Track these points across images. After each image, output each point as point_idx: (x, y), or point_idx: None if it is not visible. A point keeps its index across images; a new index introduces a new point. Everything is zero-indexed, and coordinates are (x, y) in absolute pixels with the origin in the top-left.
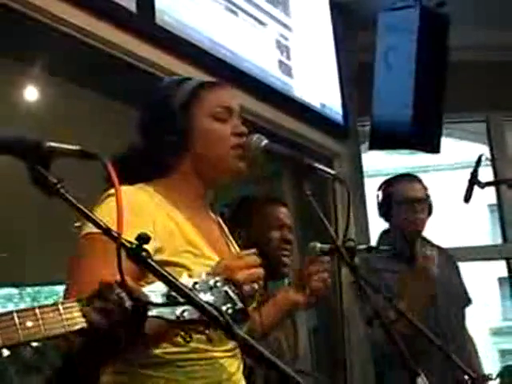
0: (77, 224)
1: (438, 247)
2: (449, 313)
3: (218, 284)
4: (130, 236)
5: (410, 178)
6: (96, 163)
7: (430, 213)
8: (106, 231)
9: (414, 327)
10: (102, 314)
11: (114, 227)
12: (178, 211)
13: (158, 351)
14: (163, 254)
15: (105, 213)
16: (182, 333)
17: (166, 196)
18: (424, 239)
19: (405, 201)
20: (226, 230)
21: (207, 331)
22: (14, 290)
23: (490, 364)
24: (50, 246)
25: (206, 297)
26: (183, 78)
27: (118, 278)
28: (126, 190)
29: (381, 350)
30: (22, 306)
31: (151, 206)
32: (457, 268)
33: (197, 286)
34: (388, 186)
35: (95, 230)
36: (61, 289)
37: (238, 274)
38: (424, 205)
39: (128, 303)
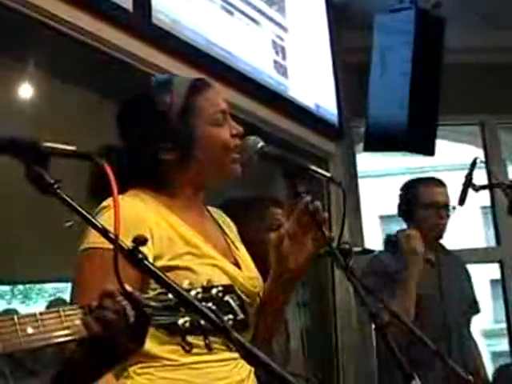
0: (68, 223)
1: (450, 252)
2: (457, 312)
3: (220, 294)
4: None
5: (438, 182)
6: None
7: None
8: (104, 233)
9: (409, 329)
10: (101, 323)
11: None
12: (174, 214)
13: (173, 356)
14: (162, 259)
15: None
16: (183, 343)
17: (161, 200)
18: (440, 244)
19: (432, 205)
20: (223, 225)
21: (207, 341)
22: (5, 288)
23: None
24: (41, 244)
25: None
26: (169, 80)
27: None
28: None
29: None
30: (14, 303)
31: (147, 214)
32: (468, 275)
33: (199, 296)
34: (414, 186)
35: (92, 245)
36: (51, 286)
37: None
38: (448, 211)
39: (131, 313)
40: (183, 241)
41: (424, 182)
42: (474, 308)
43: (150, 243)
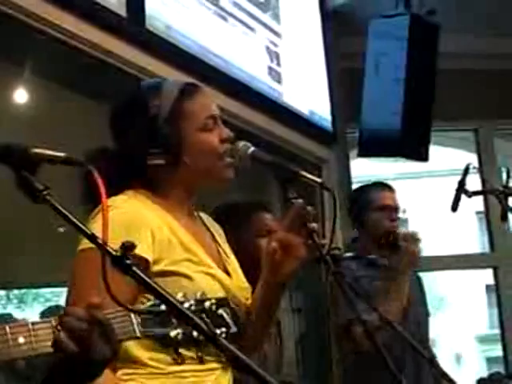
0: (60, 228)
1: None
2: (417, 320)
3: (213, 307)
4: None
5: (386, 186)
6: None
7: None
8: (92, 238)
9: (398, 334)
10: (75, 339)
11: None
12: (171, 217)
13: (159, 364)
14: (161, 264)
15: (97, 231)
16: (175, 355)
17: (156, 201)
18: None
19: (384, 208)
20: (214, 232)
21: (200, 353)
22: (1, 292)
23: (477, 371)
24: (36, 248)
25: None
26: (159, 83)
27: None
28: (118, 202)
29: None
30: (9, 307)
31: (146, 214)
32: (419, 279)
33: (192, 308)
34: (364, 192)
35: (88, 245)
36: (47, 291)
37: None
38: (397, 214)
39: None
40: (182, 246)
41: (374, 186)
42: (426, 311)
43: (151, 244)
